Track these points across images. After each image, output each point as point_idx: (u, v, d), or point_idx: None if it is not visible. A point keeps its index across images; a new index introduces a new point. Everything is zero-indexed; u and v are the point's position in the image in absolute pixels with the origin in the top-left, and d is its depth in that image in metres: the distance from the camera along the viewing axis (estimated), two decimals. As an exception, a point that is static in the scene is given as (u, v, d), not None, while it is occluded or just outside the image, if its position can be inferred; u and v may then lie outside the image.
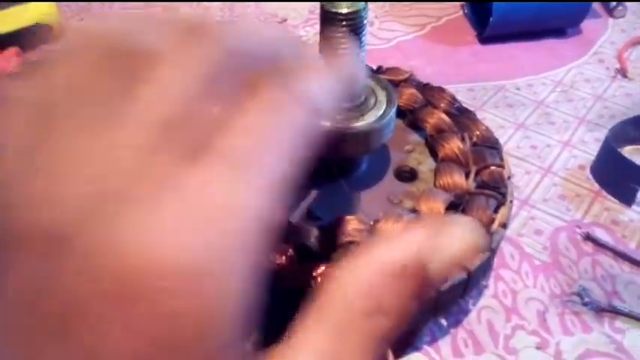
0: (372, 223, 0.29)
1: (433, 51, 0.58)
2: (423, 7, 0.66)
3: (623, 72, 0.54)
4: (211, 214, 0.13)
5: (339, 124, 0.30)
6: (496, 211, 0.30)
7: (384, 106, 0.31)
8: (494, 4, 0.54)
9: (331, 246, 0.28)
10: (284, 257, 0.27)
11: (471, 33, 0.61)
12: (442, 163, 0.33)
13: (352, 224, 0.28)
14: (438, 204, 0.29)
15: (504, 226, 0.31)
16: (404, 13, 0.65)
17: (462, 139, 0.34)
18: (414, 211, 0.29)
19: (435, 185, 0.32)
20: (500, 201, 0.31)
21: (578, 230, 0.39)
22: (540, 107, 0.50)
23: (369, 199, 0.32)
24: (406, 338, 0.32)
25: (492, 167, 0.32)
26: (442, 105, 0.37)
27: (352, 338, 0.14)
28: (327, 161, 0.31)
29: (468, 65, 0.56)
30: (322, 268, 0.27)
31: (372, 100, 0.31)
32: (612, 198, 0.41)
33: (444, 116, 0.35)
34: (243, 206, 0.13)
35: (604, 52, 0.58)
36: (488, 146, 0.34)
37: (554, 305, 0.34)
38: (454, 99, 0.37)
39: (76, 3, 0.64)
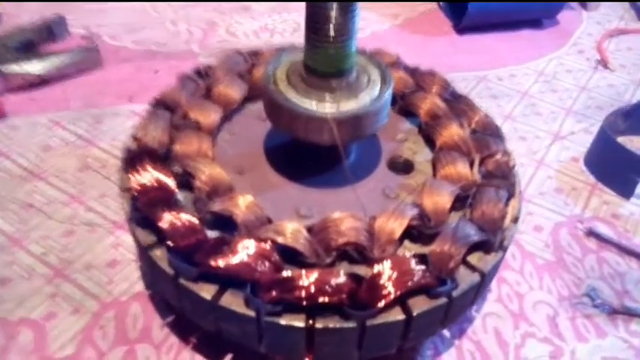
0: (368, 219, 0.25)
1: (409, 41, 0.55)
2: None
3: (603, 63, 0.53)
4: None
5: (330, 105, 0.25)
6: (506, 204, 0.27)
7: (378, 86, 0.27)
8: (473, -9, 0.51)
9: (324, 248, 0.23)
10: (267, 263, 0.22)
11: (447, 23, 0.58)
12: (441, 152, 0.29)
13: (347, 222, 0.24)
14: (444, 197, 0.25)
15: (516, 220, 0.27)
16: (376, 3, 0.61)
17: (461, 126, 0.30)
18: (416, 205, 0.25)
19: (435, 176, 0.28)
20: (511, 192, 0.27)
21: (580, 226, 0.36)
22: (525, 98, 0.48)
23: (363, 193, 0.27)
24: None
25: (498, 156, 0.29)
26: (434, 89, 0.33)
27: None
28: (314, 150, 0.26)
29: (446, 56, 0.53)
30: (315, 274, 0.22)
31: (365, 79, 0.27)
32: (609, 191, 0.39)
33: (439, 101, 0.32)
34: None
35: (582, 43, 0.56)
36: (489, 134, 0.30)
37: (564, 308, 0.31)
38: (447, 83, 0.34)
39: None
